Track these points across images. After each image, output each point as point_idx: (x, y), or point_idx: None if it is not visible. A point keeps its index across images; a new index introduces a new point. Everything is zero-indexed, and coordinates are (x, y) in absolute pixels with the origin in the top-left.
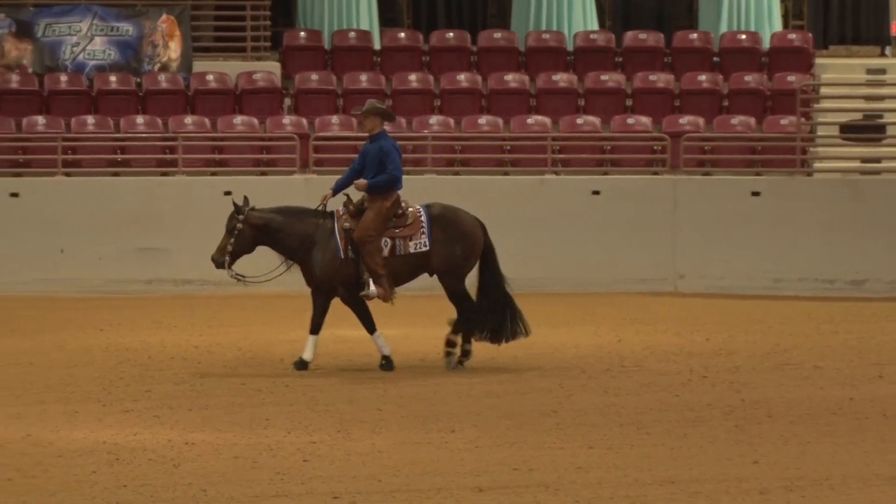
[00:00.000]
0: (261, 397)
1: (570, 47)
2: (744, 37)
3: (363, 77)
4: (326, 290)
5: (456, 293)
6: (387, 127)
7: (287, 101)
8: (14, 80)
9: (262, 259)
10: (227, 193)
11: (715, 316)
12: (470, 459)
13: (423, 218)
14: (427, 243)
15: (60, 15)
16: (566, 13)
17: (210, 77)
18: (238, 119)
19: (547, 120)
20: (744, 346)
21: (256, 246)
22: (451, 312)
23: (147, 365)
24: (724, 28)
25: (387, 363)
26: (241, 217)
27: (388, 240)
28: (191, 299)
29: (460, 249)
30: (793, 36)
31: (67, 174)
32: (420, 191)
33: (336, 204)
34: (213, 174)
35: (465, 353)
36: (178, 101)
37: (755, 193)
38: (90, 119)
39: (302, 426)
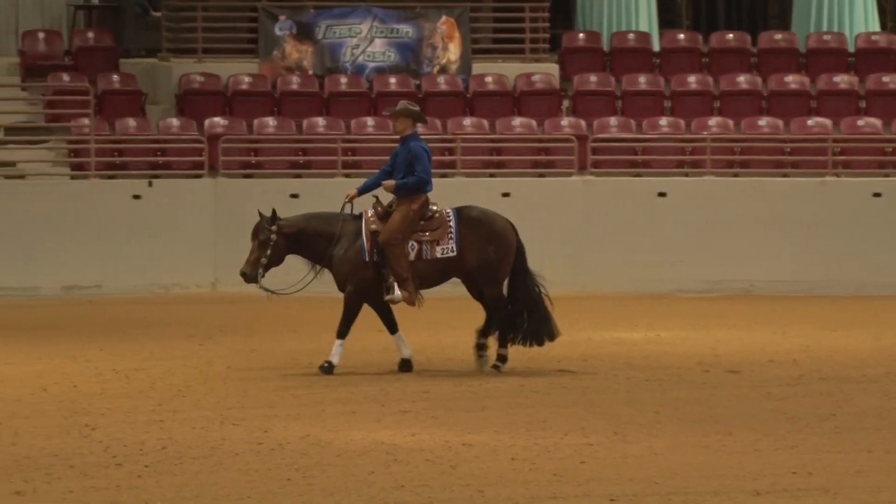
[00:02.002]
0: (538, 399)
1: (851, 49)
2: None
3: (642, 79)
4: (342, 286)
5: (493, 297)
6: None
7: (565, 103)
8: (295, 82)
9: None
10: (505, 195)
11: None
12: (748, 462)
13: (451, 222)
14: (454, 248)
15: (341, 17)
16: (847, 14)
17: (489, 79)
18: (516, 120)
19: (827, 122)
20: None
21: (287, 255)
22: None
23: (425, 365)
24: None
25: (328, 367)
26: (273, 228)
27: (415, 243)
28: (469, 300)
29: (493, 251)
30: None
31: (347, 175)
32: (701, 193)
33: (365, 205)
34: (492, 175)
35: (502, 359)
36: (456, 103)
37: None
38: (370, 121)
39: (579, 428)
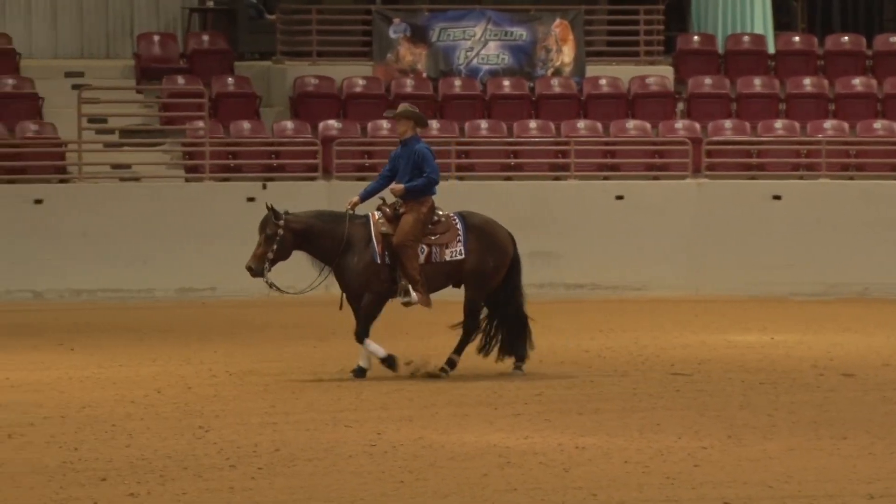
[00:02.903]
0: (652, 402)
1: None
2: None
3: (756, 81)
4: (358, 294)
5: (472, 300)
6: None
7: (680, 106)
8: (409, 85)
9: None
10: (619, 198)
11: None
12: (862, 466)
13: (458, 226)
14: (462, 251)
15: (455, 20)
16: None
17: (603, 81)
18: (630, 123)
19: None
20: None
21: (293, 251)
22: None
23: (538, 368)
24: None
25: (359, 371)
26: (281, 223)
27: (425, 246)
28: (581, 303)
29: (492, 261)
30: None
31: (460, 178)
32: (816, 196)
33: (369, 207)
34: (605, 178)
35: (451, 364)
36: (570, 106)
37: None
38: (483, 123)
39: (692, 431)
